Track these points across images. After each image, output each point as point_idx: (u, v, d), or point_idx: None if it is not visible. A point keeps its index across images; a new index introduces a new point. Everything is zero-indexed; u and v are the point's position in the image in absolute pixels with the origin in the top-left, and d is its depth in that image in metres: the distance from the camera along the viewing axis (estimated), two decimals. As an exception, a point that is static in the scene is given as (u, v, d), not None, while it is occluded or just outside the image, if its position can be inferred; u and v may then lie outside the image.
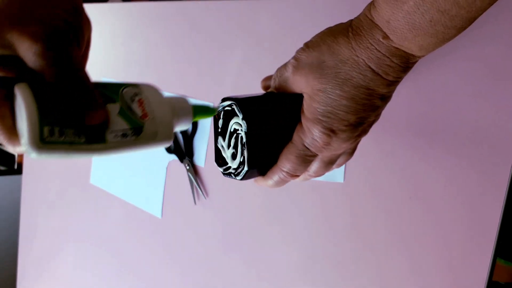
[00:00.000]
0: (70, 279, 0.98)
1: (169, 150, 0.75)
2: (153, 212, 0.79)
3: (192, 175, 0.71)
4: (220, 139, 0.38)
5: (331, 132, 0.33)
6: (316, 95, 0.33)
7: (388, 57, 0.31)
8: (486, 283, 0.45)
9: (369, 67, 0.31)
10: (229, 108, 0.35)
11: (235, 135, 0.36)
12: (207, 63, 0.70)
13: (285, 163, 0.36)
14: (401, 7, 0.28)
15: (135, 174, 0.82)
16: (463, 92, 0.47)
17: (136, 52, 0.82)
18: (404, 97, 0.50)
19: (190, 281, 0.73)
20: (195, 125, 0.72)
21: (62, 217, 1.00)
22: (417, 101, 0.50)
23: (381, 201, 0.52)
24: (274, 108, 0.36)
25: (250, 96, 0.36)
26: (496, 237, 0.45)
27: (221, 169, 0.38)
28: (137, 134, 0.30)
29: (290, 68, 0.35)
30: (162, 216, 0.77)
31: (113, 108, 0.30)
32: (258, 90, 0.64)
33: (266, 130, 0.35)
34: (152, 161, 0.79)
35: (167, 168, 0.77)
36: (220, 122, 0.37)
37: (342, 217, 0.55)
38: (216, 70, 0.69)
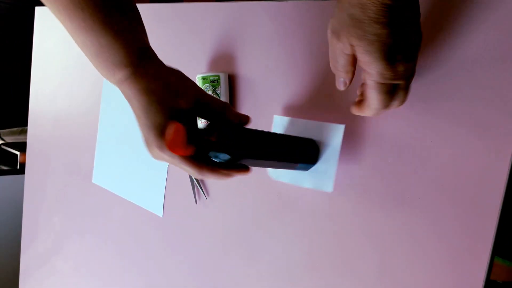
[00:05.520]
0: (71, 277, 0.99)
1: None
2: (154, 211, 0.79)
3: (193, 175, 0.72)
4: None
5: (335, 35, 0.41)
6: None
7: None
8: (483, 282, 0.46)
9: None
10: None
11: None
12: (208, 63, 0.71)
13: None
14: None
15: (137, 173, 0.83)
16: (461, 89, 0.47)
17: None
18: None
19: (191, 280, 0.74)
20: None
21: (64, 216, 1.00)
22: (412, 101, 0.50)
23: (380, 201, 0.52)
24: None
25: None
26: (494, 236, 0.45)
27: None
28: None
29: None
30: (163, 215, 0.78)
31: None
32: (259, 89, 0.64)
33: None
34: (154, 161, 0.79)
35: (168, 167, 0.77)
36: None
37: (341, 215, 0.56)
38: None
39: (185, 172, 0.44)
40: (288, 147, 0.51)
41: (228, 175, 0.45)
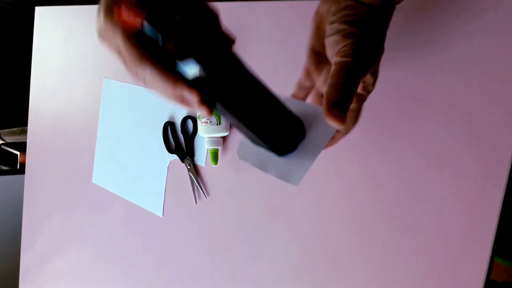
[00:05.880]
0: (71, 277, 0.99)
1: (170, 150, 0.76)
2: (154, 211, 0.79)
3: (193, 175, 0.72)
4: None
5: None
6: None
7: None
8: (484, 282, 0.46)
9: None
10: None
11: None
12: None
13: None
14: None
15: (137, 173, 0.83)
16: (459, 79, 0.47)
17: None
18: (389, 88, 0.51)
19: (191, 279, 0.74)
20: (195, 125, 0.73)
21: (64, 216, 1.00)
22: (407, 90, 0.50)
23: (379, 201, 0.52)
24: None
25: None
26: (494, 236, 0.45)
27: None
28: None
29: None
30: (163, 215, 0.78)
31: None
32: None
33: None
34: (154, 161, 0.80)
35: (168, 167, 0.77)
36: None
37: (341, 215, 0.56)
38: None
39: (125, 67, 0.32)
40: (273, 108, 0.39)
41: (174, 84, 0.31)
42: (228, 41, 0.34)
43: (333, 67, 0.36)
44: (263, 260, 0.64)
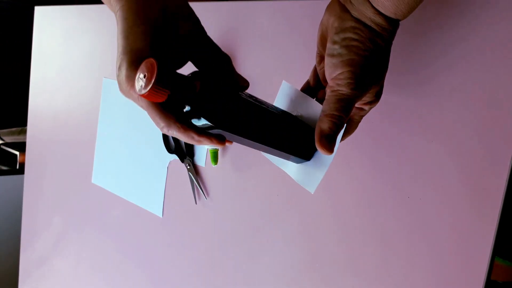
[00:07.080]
0: (71, 277, 0.99)
1: (170, 150, 0.76)
2: (154, 211, 0.79)
3: (193, 175, 0.72)
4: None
5: None
6: None
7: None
8: (484, 282, 0.46)
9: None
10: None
11: None
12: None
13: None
14: None
15: (136, 173, 0.83)
16: (460, 87, 0.47)
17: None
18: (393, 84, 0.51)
19: (191, 280, 0.74)
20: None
21: (64, 216, 1.00)
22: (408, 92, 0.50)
23: (379, 201, 0.52)
24: None
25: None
26: (494, 236, 0.45)
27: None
28: None
29: None
30: (163, 215, 0.78)
31: None
32: (259, 90, 0.64)
33: None
34: (153, 161, 0.79)
35: (168, 167, 0.77)
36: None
37: (341, 216, 0.56)
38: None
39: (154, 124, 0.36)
40: (285, 133, 0.43)
41: (198, 141, 0.37)
42: (241, 89, 0.39)
43: (328, 93, 0.37)
44: (263, 260, 0.64)
